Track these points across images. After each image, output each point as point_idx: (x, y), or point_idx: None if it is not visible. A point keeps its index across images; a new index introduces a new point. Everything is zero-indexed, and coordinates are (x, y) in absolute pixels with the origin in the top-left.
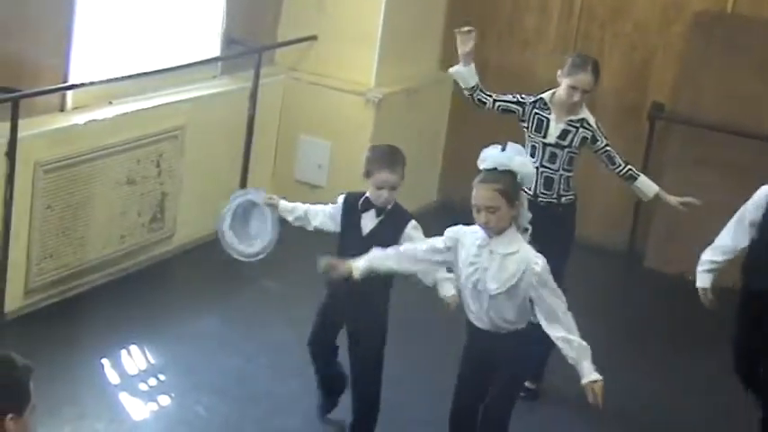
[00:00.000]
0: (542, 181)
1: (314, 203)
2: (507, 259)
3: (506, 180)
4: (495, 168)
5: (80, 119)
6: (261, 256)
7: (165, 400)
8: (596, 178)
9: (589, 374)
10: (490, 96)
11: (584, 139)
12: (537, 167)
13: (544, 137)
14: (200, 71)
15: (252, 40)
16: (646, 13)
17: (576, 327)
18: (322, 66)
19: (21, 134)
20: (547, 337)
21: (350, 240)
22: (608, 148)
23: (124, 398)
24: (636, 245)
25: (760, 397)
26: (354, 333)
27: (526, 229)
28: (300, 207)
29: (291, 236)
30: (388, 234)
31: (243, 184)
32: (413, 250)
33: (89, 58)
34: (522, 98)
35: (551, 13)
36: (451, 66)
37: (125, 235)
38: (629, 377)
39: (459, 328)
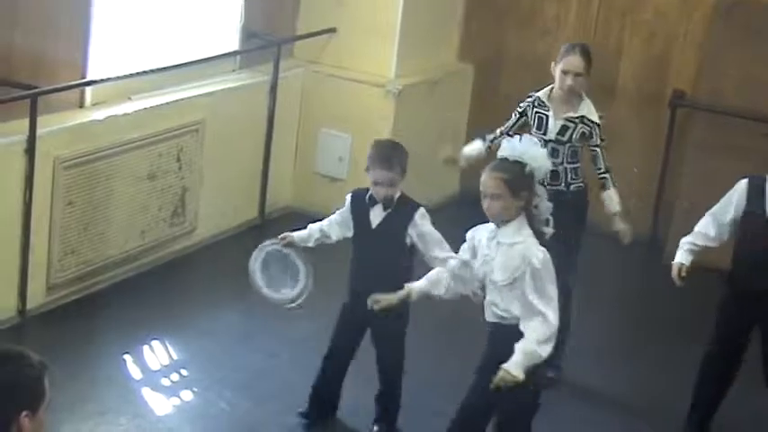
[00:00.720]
0: (549, 174)
1: (328, 215)
2: (512, 249)
3: (513, 170)
4: (506, 158)
5: (99, 115)
6: (300, 300)
7: (187, 395)
8: (616, 169)
9: (514, 368)
10: (499, 133)
11: (584, 134)
12: None
13: (544, 133)
14: (220, 65)
15: (271, 33)
16: (666, 0)
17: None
18: (341, 58)
19: (40, 131)
20: (562, 323)
21: (361, 236)
22: (598, 148)
23: (146, 393)
24: (657, 235)
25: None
26: (377, 328)
27: (547, 221)
28: (314, 229)
29: None
30: (397, 226)
31: (264, 178)
32: (452, 271)
33: (107, 53)
34: (520, 108)
35: (571, 1)
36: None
37: (146, 230)
38: (644, 368)
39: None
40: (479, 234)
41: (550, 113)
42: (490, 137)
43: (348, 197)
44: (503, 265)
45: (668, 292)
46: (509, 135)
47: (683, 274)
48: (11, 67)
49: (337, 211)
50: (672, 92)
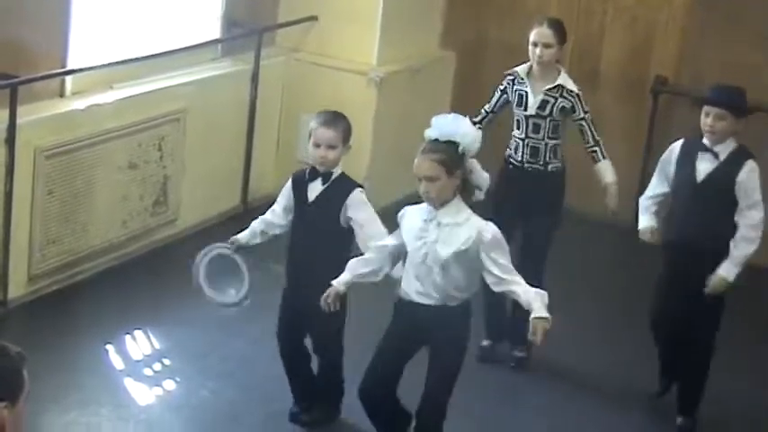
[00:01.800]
0: (528, 150)
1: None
2: (456, 227)
3: (447, 150)
4: (437, 139)
5: (80, 104)
6: (244, 304)
7: (170, 384)
8: None
9: (539, 311)
10: (485, 113)
11: (564, 108)
12: (523, 138)
13: (525, 109)
14: (201, 53)
15: (252, 21)
16: None
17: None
18: (323, 46)
19: (20, 120)
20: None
21: (298, 212)
22: (583, 121)
23: (129, 383)
24: None
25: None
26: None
27: (480, 189)
28: (256, 224)
29: None
30: (333, 200)
31: (246, 166)
32: (384, 248)
33: (88, 42)
34: (501, 86)
35: None
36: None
37: (128, 220)
38: (628, 352)
39: None
40: (409, 216)
41: (529, 89)
42: (477, 118)
43: (290, 179)
44: (448, 241)
45: (650, 277)
46: (494, 113)
47: (656, 236)
48: None
49: (276, 202)
50: (654, 78)
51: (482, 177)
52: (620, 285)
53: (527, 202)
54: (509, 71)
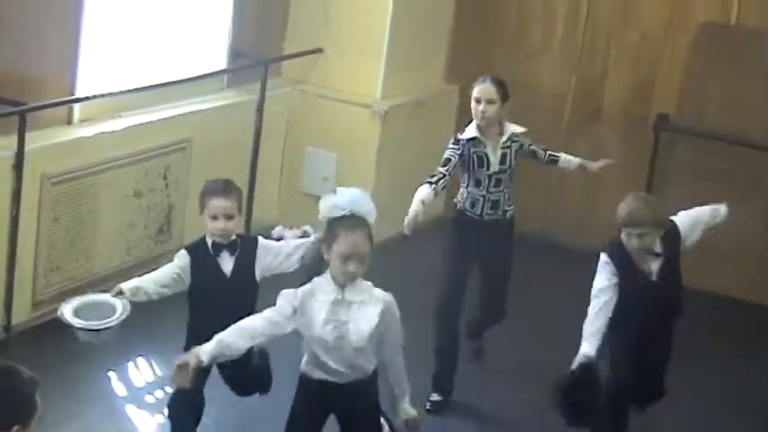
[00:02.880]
0: (489, 204)
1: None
2: (364, 306)
3: (366, 225)
4: (352, 214)
5: (87, 131)
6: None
7: None
8: (601, 190)
9: (409, 410)
10: (442, 175)
11: (517, 150)
12: (484, 195)
13: (488, 169)
14: (207, 84)
15: (258, 52)
16: (651, 25)
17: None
18: (328, 78)
19: (28, 147)
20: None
21: (213, 288)
22: (531, 147)
23: (131, 410)
24: None
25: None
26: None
27: None
28: (145, 283)
29: None
30: (250, 265)
31: (250, 197)
32: (252, 328)
33: (96, 70)
34: (457, 149)
35: (557, 25)
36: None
37: (132, 247)
38: None
39: None
40: (312, 299)
41: (489, 149)
42: (434, 179)
43: (182, 253)
44: (359, 325)
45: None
46: (450, 176)
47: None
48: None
49: (168, 266)
50: (656, 115)
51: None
52: None
53: (485, 249)
54: (461, 135)
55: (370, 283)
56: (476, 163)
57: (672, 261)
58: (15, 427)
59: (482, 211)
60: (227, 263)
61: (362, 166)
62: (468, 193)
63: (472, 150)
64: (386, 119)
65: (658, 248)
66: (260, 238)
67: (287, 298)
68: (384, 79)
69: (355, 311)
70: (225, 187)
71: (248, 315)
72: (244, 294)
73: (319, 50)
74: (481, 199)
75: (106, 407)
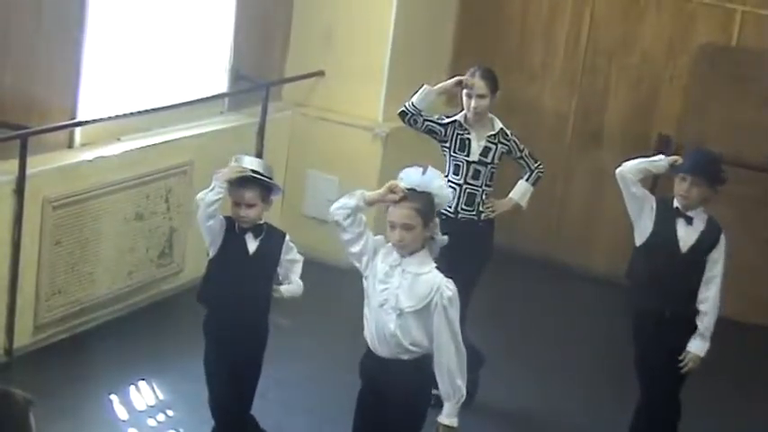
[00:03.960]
0: (465, 198)
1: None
2: (419, 279)
3: (424, 201)
4: (414, 189)
5: (88, 155)
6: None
7: None
8: (602, 209)
9: (448, 417)
10: (421, 116)
11: (503, 153)
12: (461, 184)
13: (468, 155)
14: (208, 107)
15: (259, 75)
16: (652, 46)
17: (464, 371)
18: (329, 101)
19: (29, 171)
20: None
21: (234, 263)
22: (521, 159)
23: None
24: None
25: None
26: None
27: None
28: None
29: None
30: (273, 250)
31: None
32: (359, 194)
33: (97, 94)
34: (444, 120)
35: (557, 47)
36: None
37: (133, 271)
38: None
39: None
40: (381, 252)
41: (473, 135)
42: (408, 104)
43: (221, 216)
44: (410, 292)
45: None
46: (422, 118)
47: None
48: (1, 107)
49: (209, 219)
50: (657, 136)
51: (440, 237)
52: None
53: (455, 254)
54: (449, 115)
55: (434, 264)
56: (457, 145)
57: (702, 252)
58: None
59: (457, 206)
60: (251, 243)
61: (365, 188)
62: (447, 182)
63: (456, 132)
64: (387, 142)
65: (698, 217)
66: (288, 235)
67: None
68: (385, 102)
69: (408, 281)
70: (248, 178)
71: (264, 295)
72: (263, 275)
73: (320, 73)
74: (458, 189)
75: (107, 430)
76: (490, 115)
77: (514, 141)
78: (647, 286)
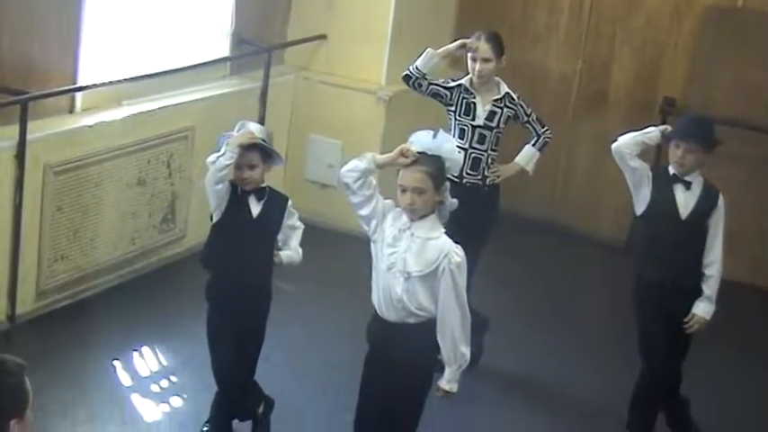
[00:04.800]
0: (470, 162)
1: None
2: (428, 244)
3: (435, 164)
4: (425, 153)
5: (89, 120)
6: None
7: (177, 401)
8: (606, 174)
9: (448, 382)
10: (426, 80)
11: (509, 117)
12: (466, 149)
13: (473, 119)
14: (210, 71)
15: (261, 39)
16: (657, 9)
17: (468, 338)
18: (332, 65)
19: (30, 136)
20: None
21: (239, 225)
22: (528, 124)
23: (136, 399)
24: None
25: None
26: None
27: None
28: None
29: (305, 239)
30: (276, 214)
31: None
32: (370, 157)
33: (98, 59)
34: (449, 84)
35: (562, 10)
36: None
37: (136, 236)
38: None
39: None
40: (390, 216)
41: (478, 99)
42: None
43: (227, 181)
44: (419, 257)
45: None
46: (427, 82)
47: None
48: (1, 72)
49: (218, 183)
50: (662, 99)
51: (450, 201)
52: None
53: (461, 220)
54: (454, 79)
55: (443, 230)
56: (462, 109)
57: (701, 216)
58: (13, 421)
59: (462, 171)
60: (255, 206)
61: (367, 152)
62: None
63: (462, 96)
64: (390, 105)
65: (695, 182)
66: (290, 200)
67: (386, 203)
68: (388, 65)
69: (417, 245)
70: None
71: (266, 258)
72: (266, 237)
73: (323, 37)
74: (463, 153)
75: (111, 396)
76: (496, 79)
77: (521, 105)
78: (648, 255)
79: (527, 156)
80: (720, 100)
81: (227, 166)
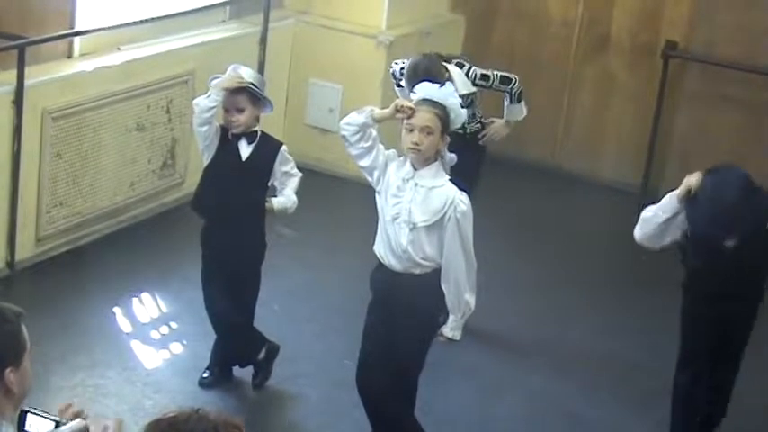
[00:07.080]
0: None
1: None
2: (432, 192)
3: (444, 109)
4: (430, 99)
5: (88, 65)
6: None
7: (177, 347)
8: (608, 116)
9: (451, 330)
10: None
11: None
12: None
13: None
14: (209, 16)
15: None
16: None
17: (473, 286)
18: (332, 9)
19: (28, 82)
20: None
21: (227, 168)
22: (493, 87)
23: (136, 346)
24: (649, 185)
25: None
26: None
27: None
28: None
29: (305, 184)
30: (267, 157)
31: None
32: (368, 111)
33: (96, 3)
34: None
35: None
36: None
37: (135, 182)
38: (627, 322)
39: None
40: (393, 165)
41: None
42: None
43: (217, 124)
44: (423, 206)
45: None
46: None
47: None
48: None
49: (203, 125)
50: (665, 42)
51: (448, 156)
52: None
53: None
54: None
55: (447, 178)
56: None
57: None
58: (8, 369)
59: None
60: (244, 149)
61: (367, 97)
62: None
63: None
64: (391, 49)
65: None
66: (284, 146)
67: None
68: (389, 9)
69: (422, 194)
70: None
71: (256, 201)
72: (256, 181)
73: None
74: None
75: (111, 342)
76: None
77: (480, 85)
78: (703, 275)
79: (511, 112)
80: (722, 42)
81: (211, 108)
